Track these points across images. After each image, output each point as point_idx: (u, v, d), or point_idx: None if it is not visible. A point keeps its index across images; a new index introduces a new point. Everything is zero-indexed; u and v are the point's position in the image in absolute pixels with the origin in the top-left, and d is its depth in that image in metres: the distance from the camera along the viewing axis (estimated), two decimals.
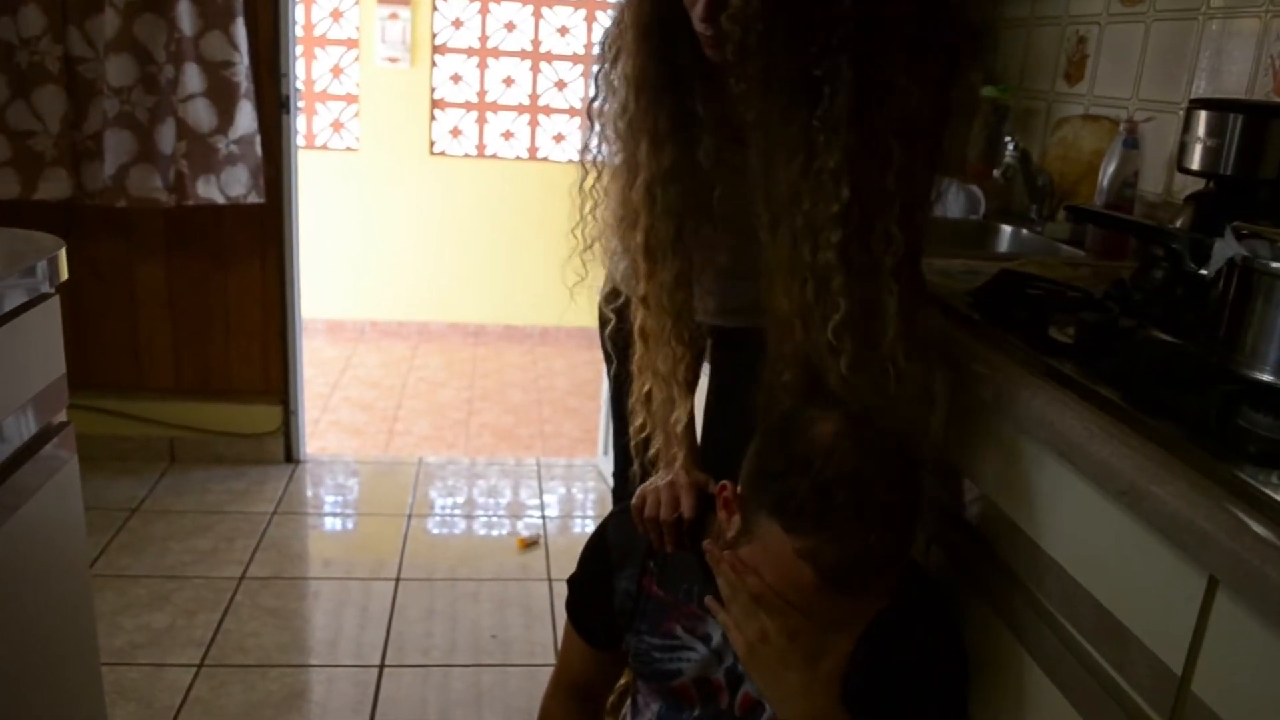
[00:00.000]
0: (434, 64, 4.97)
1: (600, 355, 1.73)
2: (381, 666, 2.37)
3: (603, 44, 1.38)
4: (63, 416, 1.46)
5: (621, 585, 1.39)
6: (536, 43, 5.00)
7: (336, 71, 4.93)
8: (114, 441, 3.29)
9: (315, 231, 4.53)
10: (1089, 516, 1.03)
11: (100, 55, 2.85)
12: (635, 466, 1.48)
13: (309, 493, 3.25)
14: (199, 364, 3.30)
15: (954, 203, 2.40)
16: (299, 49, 4.04)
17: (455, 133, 5.06)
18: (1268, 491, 0.84)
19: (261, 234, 3.19)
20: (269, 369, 3.33)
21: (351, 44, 4.90)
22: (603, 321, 1.61)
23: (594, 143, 1.40)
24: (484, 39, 4.98)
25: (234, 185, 3.00)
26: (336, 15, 4.86)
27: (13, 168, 2.88)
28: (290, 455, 3.43)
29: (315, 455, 3.53)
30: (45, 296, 1.37)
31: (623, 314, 1.49)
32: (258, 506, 3.10)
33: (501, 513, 3.22)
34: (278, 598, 2.62)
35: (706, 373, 1.79)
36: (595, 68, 1.39)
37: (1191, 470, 0.91)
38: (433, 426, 4.06)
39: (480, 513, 3.21)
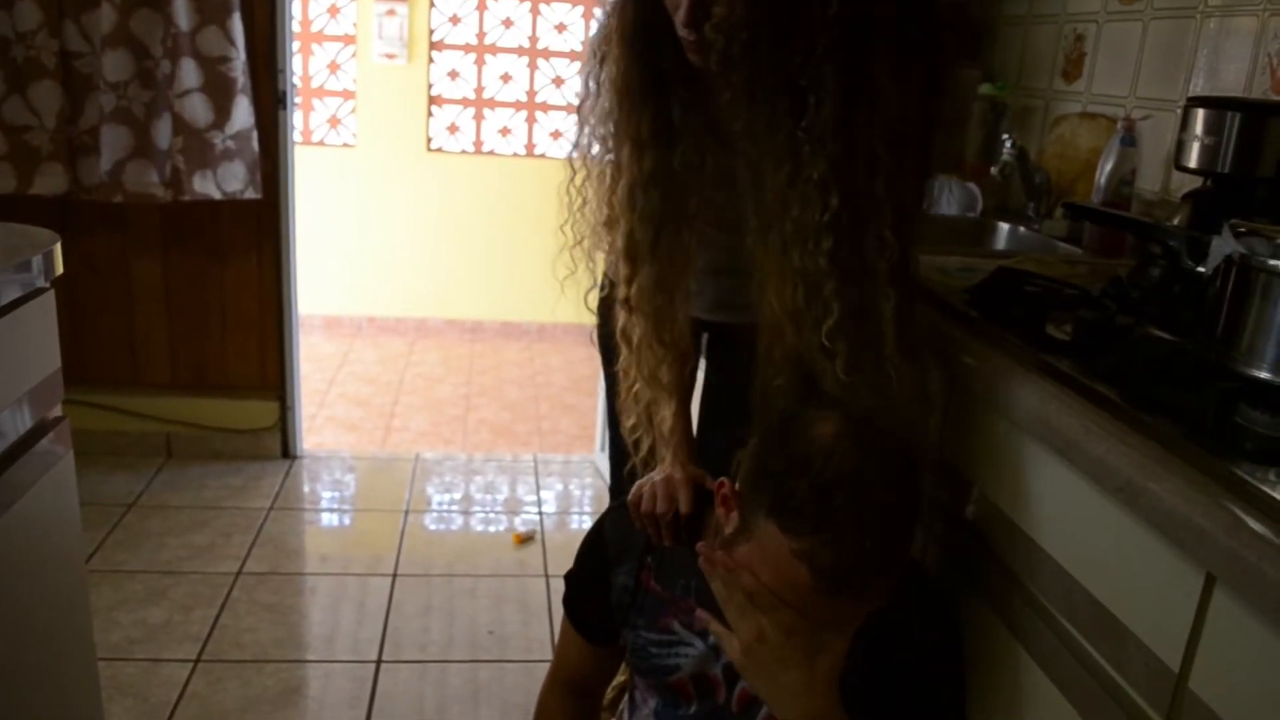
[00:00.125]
0: (431, 60, 4.96)
1: (598, 351, 1.74)
2: (378, 662, 2.36)
3: (592, 45, 1.38)
4: (58, 411, 1.45)
5: (619, 581, 1.40)
6: (534, 39, 5.00)
7: (333, 67, 4.92)
8: (110, 437, 3.29)
9: (312, 227, 4.53)
10: (1086, 514, 1.04)
11: (97, 50, 2.84)
12: (629, 465, 1.49)
13: (306, 488, 3.25)
14: (196, 359, 3.30)
15: (951, 200, 2.40)
16: (296, 44, 4.04)
17: (452, 129, 5.05)
18: (1265, 489, 0.84)
19: (258, 230, 3.19)
20: (266, 365, 3.33)
21: (349, 40, 4.89)
22: (598, 321, 1.61)
23: (583, 142, 1.41)
24: (481, 35, 4.97)
25: (231, 181, 3.00)
26: (334, 11, 4.85)
27: (9, 162, 2.88)
28: (287, 451, 3.43)
29: (312, 451, 3.53)
30: (40, 291, 1.37)
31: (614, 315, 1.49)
32: (254, 502, 3.10)
33: (499, 509, 3.21)
34: (274, 593, 2.61)
35: (704, 368, 1.80)
36: (585, 68, 1.40)
37: (1189, 467, 0.91)
38: (430, 422, 4.06)
39: (477, 509, 3.21)
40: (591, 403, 4.09)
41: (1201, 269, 1.24)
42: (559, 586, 1.57)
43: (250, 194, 3.04)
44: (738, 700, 1.31)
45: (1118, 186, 2.02)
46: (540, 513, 3.19)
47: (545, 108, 5.07)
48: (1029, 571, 1.15)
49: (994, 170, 2.41)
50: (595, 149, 1.39)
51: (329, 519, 3.12)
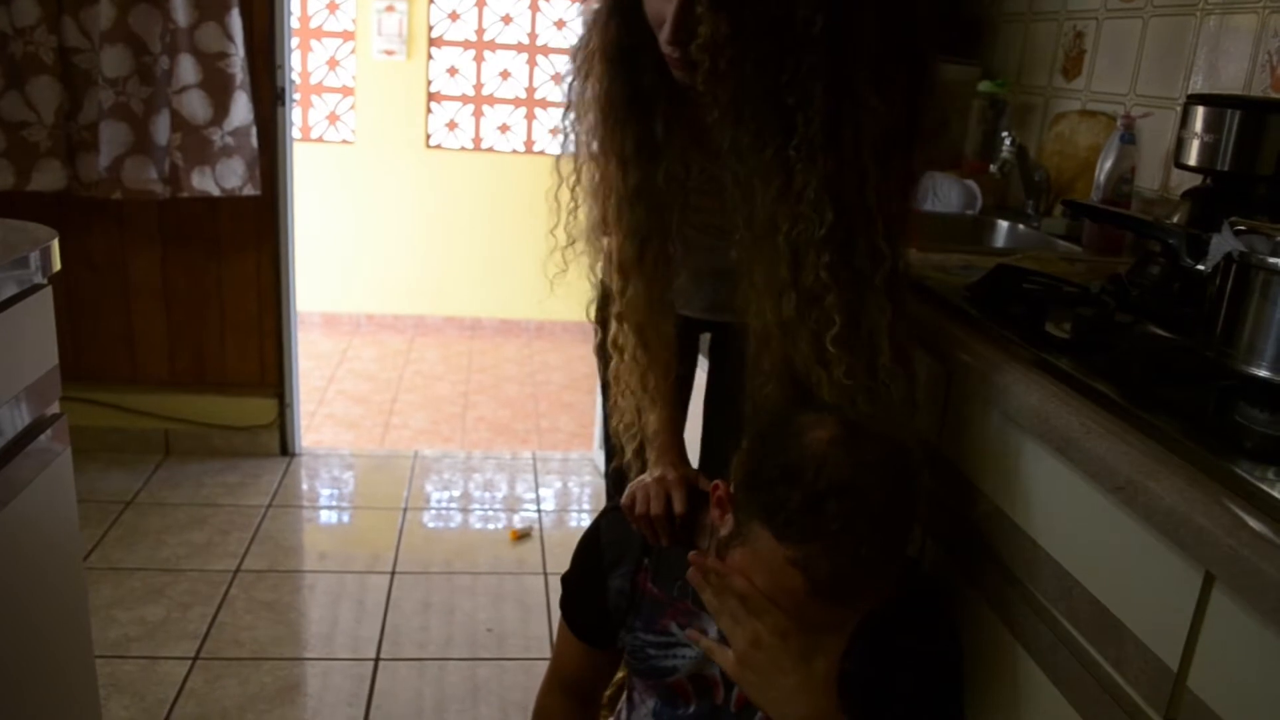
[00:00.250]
0: (430, 57, 4.96)
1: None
2: (377, 660, 2.36)
3: (573, 56, 1.39)
4: (55, 408, 1.45)
5: (615, 584, 1.39)
6: (533, 36, 4.99)
7: (332, 64, 4.92)
8: (108, 433, 3.29)
9: (311, 224, 4.53)
10: (1085, 512, 1.03)
11: (95, 46, 2.84)
12: (616, 461, 1.50)
13: (304, 486, 3.24)
14: (194, 356, 3.30)
15: (950, 198, 2.40)
16: (295, 41, 4.04)
17: (451, 126, 5.05)
18: (1264, 487, 0.84)
19: (257, 226, 3.19)
20: (264, 362, 3.32)
21: (348, 36, 4.89)
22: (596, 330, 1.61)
23: (569, 149, 1.42)
24: (480, 32, 4.97)
25: (229, 177, 3.00)
26: (333, 7, 4.85)
27: (7, 159, 2.87)
28: (286, 448, 3.43)
29: (311, 448, 3.53)
30: (38, 287, 1.37)
31: (608, 324, 1.51)
32: (253, 500, 3.10)
33: (497, 506, 3.21)
34: (273, 591, 2.61)
35: (704, 366, 1.80)
36: (567, 78, 1.40)
37: (1188, 466, 0.91)
38: (429, 420, 4.06)
39: (476, 506, 3.21)
40: (590, 400, 4.08)
41: (1201, 267, 1.23)
42: (558, 584, 1.57)
43: (249, 191, 3.03)
44: (736, 701, 1.31)
45: (1117, 184, 2.01)
46: (539, 510, 3.19)
47: (544, 104, 5.06)
48: (1028, 570, 1.14)
49: (993, 168, 2.41)
50: (583, 158, 1.40)
51: (328, 516, 3.12)
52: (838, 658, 1.12)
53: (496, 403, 4.30)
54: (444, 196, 5.06)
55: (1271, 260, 1.04)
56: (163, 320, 3.25)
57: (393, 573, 2.75)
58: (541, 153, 5.07)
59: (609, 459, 1.83)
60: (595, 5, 1.33)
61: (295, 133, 3.27)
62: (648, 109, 1.30)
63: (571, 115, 1.39)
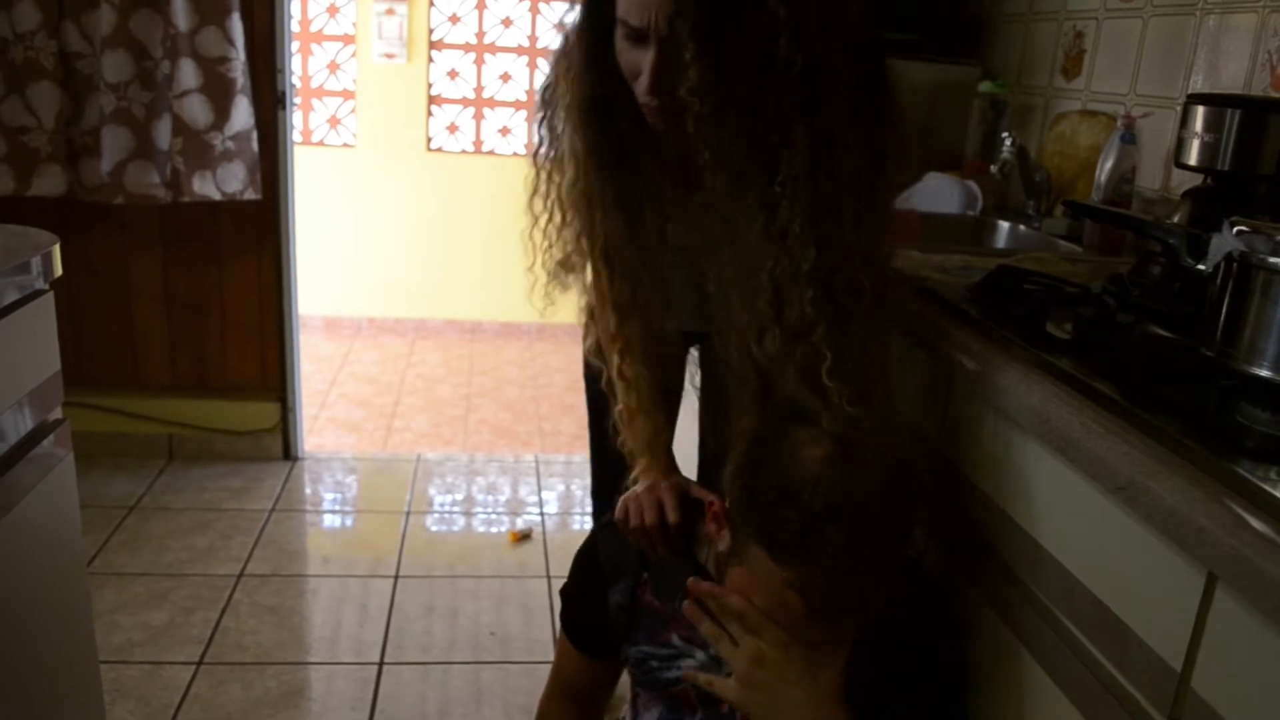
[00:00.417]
0: (431, 60, 4.96)
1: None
2: (381, 664, 2.36)
3: (542, 93, 1.40)
4: (58, 413, 1.45)
5: (615, 599, 1.38)
6: (533, 38, 5.00)
7: (333, 67, 4.92)
8: (111, 439, 3.29)
9: (312, 228, 4.53)
10: (1087, 512, 1.03)
11: (97, 51, 2.84)
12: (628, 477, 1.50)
13: (307, 490, 3.25)
14: (196, 361, 3.30)
15: (951, 198, 2.40)
16: (295, 44, 4.04)
17: (452, 129, 5.06)
18: (1266, 487, 0.83)
19: (258, 230, 3.19)
20: (266, 366, 3.33)
21: (348, 40, 4.89)
22: (593, 371, 1.60)
23: (543, 188, 1.43)
24: (481, 34, 4.97)
25: (230, 181, 3.00)
26: (333, 11, 4.85)
27: (7, 164, 2.87)
28: (288, 452, 3.43)
29: (313, 452, 3.53)
30: (39, 293, 1.37)
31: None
32: (256, 504, 3.10)
33: (500, 509, 3.21)
34: (276, 595, 2.61)
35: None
36: (538, 114, 1.41)
37: (1189, 466, 0.91)
38: (430, 423, 4.06)
39: (479, 509, 3.21)
40: None
41: (1202, 267, 1.23)
42: (561, 586, 1.57)
43: (250, 195, 3.04)
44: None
45: (1118, 184, 2.01)
46: (542, 513, 3.19)
47: None
48: (1029, 570, 1.14)
49: (994, 168, 2.40)
50: (553, 201, 1.43)
51: (330, 520, 3.12)
52: (842, 667, 1.12)
53: (498, 405, 4.30)
54: (445, 200, 5.06)
55: (1272, 260, 1.03)
56: (164, 325, 3.25)
57: (396, 576, 2.75)
58: None
59: (599, 511, 1.85)
60: (563, 56, 1.35)
61: (296, 136, 3.27)
62: (626, 158, 1.32)
63: (543, 148, 1.41)
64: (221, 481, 3.23)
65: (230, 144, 2.97)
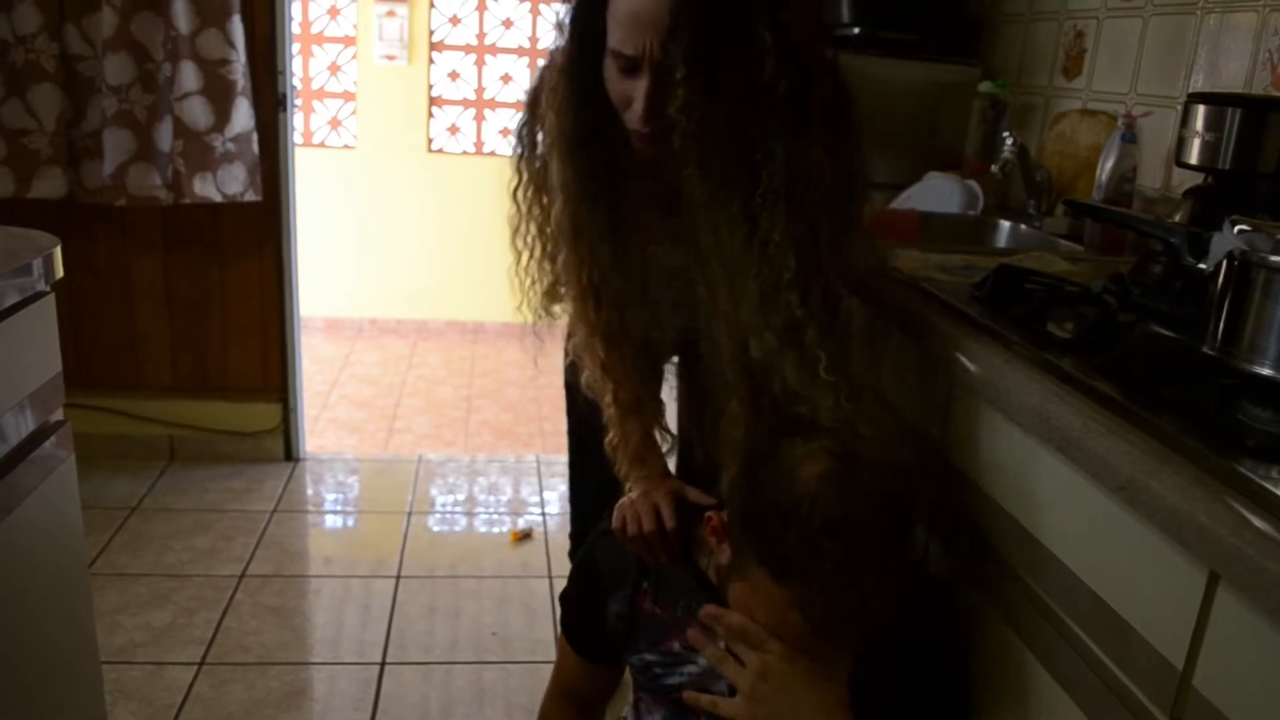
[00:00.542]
0: (431, 61, 4.96)
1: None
2: (383, 664, 2.37)
3: (519, 133, 1.45)
4: (59, 415, 1.45)
5: (614, 608, 1.38)
6: (534, 39, 5.00)
7: (334, 69, 4.92)
8: (113, 440, 3.29)
9: (313, 229, 4.53)
10: (1089, 512, 1.03)
11: (98, 53, 2.84)
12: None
13: (309, 491, 3.25)
14: (197, 362, 3.30)
15: (952, 198, 2.40)
16: (296, 46, 4.04)
17: (453, 130, 5.06)
18: (1267, 486, 0.83)
19: (259, 232, 3.19)
20: (268, 367, 3.33)
21: (349, 41, 4.89)
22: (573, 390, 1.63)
23: (523, 226, 1.47)
24: (481, 36, 4.98)
25: (231, 183, 3.00)
26: (334, 12, 4.85)
27: (7, 166, 2.87)
28: (290, 453, 3.43)
29: (315, 453, 3.53)
30: (40, 294, 1.37)
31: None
32: (257, 505, 3.10)
33: (502, 510, 3.21)
34: (278, 596, 2.61)
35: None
36: (515, 150, 1.45)
37: (1191, 465, 0.91)
38: (432, 424, 4.06)
39: (480, 510, 3.21)
40: None
41: (1203, 266, 1.23)
42: (562, 587, 1.56)
43: (250, 196, 3.04)
44: None
45: (1118, 183, 2.01)
46: (543, 513, 3.19)
47: None
48: (1031, 569, 1.14)
49: (994, 168, 2.40)
50: (532, 231, 1.47)
51: (332, 521, 3.12)
52: (846, 676, 1.12)
53: (499, 406, 4.30)
54: (446, 201, 5.06)
55: (1273, 258, 1.03)
56: (165, 326, 3.25)
57: (398, 577, 2.75)
58: None
59: (576, 541, 1.86)
60: (549, 92, 1.37)
61: (297, 138, 3.27)
62: (612, 185, 1.35)
63: (524, 189, 1.45)
64: (223, 482, 3.23)
65: (231, 146, 2.97)
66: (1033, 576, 1.14)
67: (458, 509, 3.20)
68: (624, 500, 1.41)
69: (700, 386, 1.46)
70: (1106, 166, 2.02)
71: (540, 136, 1.41)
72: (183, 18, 2.84)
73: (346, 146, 5.01)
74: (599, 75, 1.29)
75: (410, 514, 3.13)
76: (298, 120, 4.18)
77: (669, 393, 1.72)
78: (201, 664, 2.30)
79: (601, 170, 1.34)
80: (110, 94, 2.85)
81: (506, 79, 5.03)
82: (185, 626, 2.44)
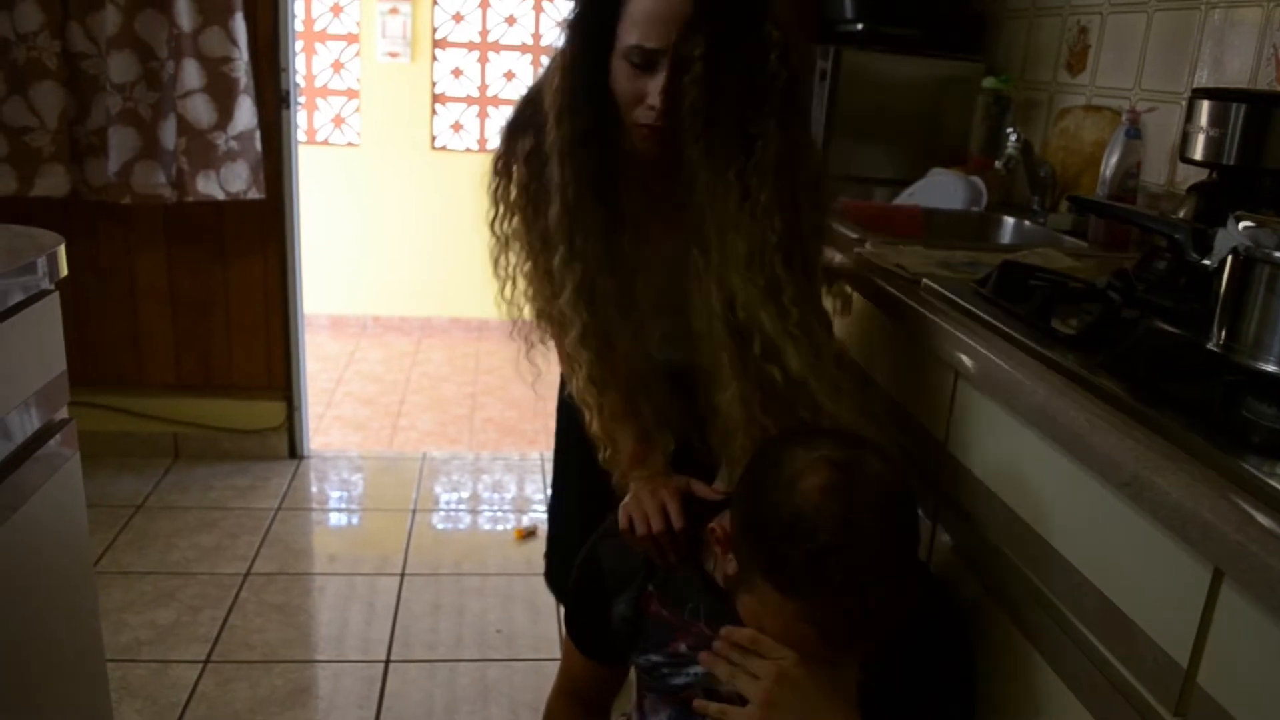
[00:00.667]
0: (435, 58, 4.96)
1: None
2: (387, 662, 2.37)
3: (513, 139, 1.51)
4: (64, 413, 1.46)
5: (619, 610, 1.38)
6: (537, 36, 5.00)
7: (337, 66, 4.92)
8: (117, 438, 3.30)
9: (317, 227, 4.53)
10: (1093, 509, 1.03)
11: (103, 51, 2.85)
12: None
13: (313, 488, 3.25)
14: (201, 360, 3.30)
15: (956, 194, 2.40)
16: (299, 44, 4.04)
17: (456, 127, 5.06)
18: (1272, 482, 0.83)
19: (262, 229, 3.19)
20: (272, 365, 3.33)
21: (352, 39, 4.89)
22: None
23: (503, 259, 1.58)
24: (484, 33, 4.97)
25: (234, 181, 3.00)
26: (337, 10, 4.85)
27: (9, 164, 2.88)
28: (294, 451, 3.44)
29: (319, 451, 3.54)
30: (45, 293, 1.37)
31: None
32: (262, 502, 3.11)
33: (506, 507, 3.22)
34: (283, 593, 2.62)
35: None
36: (506, 159, 1.52)
37: (1195, 461, 0.91)
38: (436, 422, 4.06)
39: (485, 507, 3.21)
40: None
41: (1207, 262, 1.23)
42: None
43: (253, 194, 3.04)
44: None
45: (1123, 179, 2.01)
46: (548, 511, 3.18)
47: None
48: (1036, 567, 1.14)
49: (998, 164, 2.40)
50: (522, 239, 1.54)
51: (337, 519, 3.13)
52: (855, 676, 1.12)
53: (504, 404, 4.30)
54: (449, 198, 5.06)
55: (1277, 254, 1.03)
56: (169, 324, 3.26)
57: (402, 574, 2.75)
58: None
59: (554, 568, 1.87)
60: (544, 98, 1.41)
61: (300, 136, 3.27)
62: (613, 184, 1.40)
63: (498, 204, 1.54)
64: (227, 480, 3.23)
65: (234, 144, 2.97)
66: (1037, 574, 1.14)
67: (462, 506, 3.20)
68: (629, 500, 1.40)
69: (690, 384, 1.47)
70: (1111, 162, 2.02)
71: (515, 170, 1.50)
72: (185, 15, 2.84)
73: (350, 144, 5.01)
74: (603, 76, 1.34)
75: (415, 511, 3.13)
76: (301, 118, 4.17)
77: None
78: (206, 662, 2.31)
79: (600, 170, 1.37)
80: (115, 92, 2.85)
81: (510, 76, 5.03)
82: (190, 624, 2.45)
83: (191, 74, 2.89)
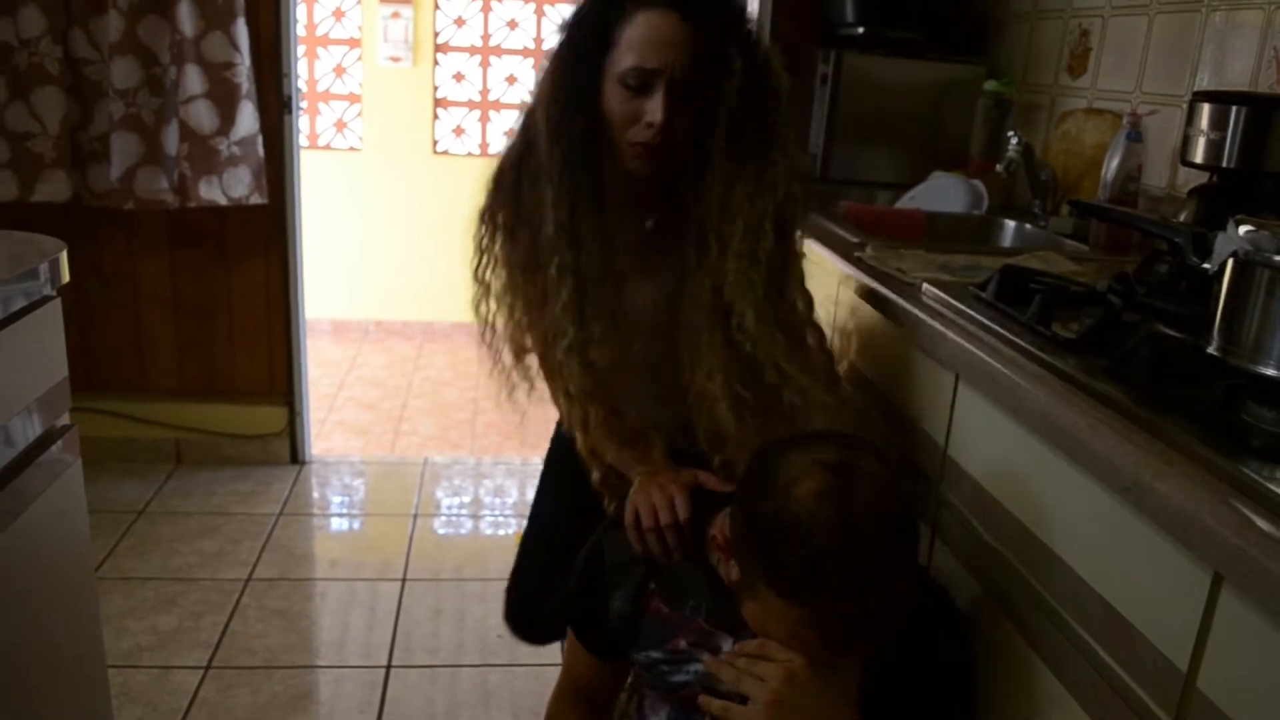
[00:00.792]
0: (436, 63, 4.97)
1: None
2: (388, 667, 2.37)
3: (516, 162, 1.59)
4: (66, 419, 1.46)
5: (615, 605, 1.37)
6: (539, 40, 5.00)
7: (339, 71, 4.93)
8: (119, 444, 3.30)
9: (319, 232, 4.54)
10: (1093, 513, 1.03)
11: (105, 57, 2.85)
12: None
13: (315, 494, 3.25)
14: (203, 365, 3.30)
15: (957, 197, 2.40)
16: (301, 49, 4.05)
17: (458, 132, 5.06)
18: (1272, 487, 0.83)
19: (265, 235, 3.20)
20: (274, 370, 3.33)
21: (354, 43, 4.90)
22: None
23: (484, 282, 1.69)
24: (486, 37, 4.98)
25: (236, 186, 3.01)
26: (339, 15, 4.86)
27: (11, 170, 2.88)
28: (296, 456, 3.44)
29: (321, 456, 3.54)
30: (47, 299, 1.37)
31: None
32: (264, 508, 3.11)
33: (508, 512, 3.22)
34: (284, 599, 2.62)
35: None
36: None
37: (1195, 466, 0.91)
38: (438, 426, 4.06)
39: (486, 512, 3.21)
40: None
41: (1208, 265, 1.23)
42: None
43: (255, 199, 3.04)
44: None
45: (1124, 182, 2.01)
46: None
47: None
48: (1036, 571, 1.14)
49: (999, 167, 2.40)
50: (512, 257, 1.64)
51: (338, 524, 3.13)
52: (857, 675, 1.12)
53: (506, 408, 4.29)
54: (451, 202, 5.03)
55: (1277, 258, 1.03)
56: (171, 329, 3.26)
57: (404, 579, 2.75)
58: None
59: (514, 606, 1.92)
60: (542, 113, 1.46)
61: (302, 140, 3.28)
62: (603, 202, 1.45)
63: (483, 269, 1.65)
64: (229, 485, 3.23)
65: (236, 149, 2.98)
66: (1038, 578, 1.14)
67: (463, 511, 3.20)
68: (636, 492, 1.40)
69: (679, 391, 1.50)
70: (1112, 165, 2.02)
71: (500, 219, 1.63)
72: (187, 21, 2.84)
73: (352, 149, 5.01)
74: (595, 100, 1.40)
75: (416, 516, 3.13)
76: (303, 123, 4.18)
77: None
78: (208, 668, 2.31)
79: (592, 189, 1.43)
80: (117, 98, 2.85)
81: (511, 80, 5.03)
82: (191, 630, 2.45)
83: (194, 79, 2.90)
